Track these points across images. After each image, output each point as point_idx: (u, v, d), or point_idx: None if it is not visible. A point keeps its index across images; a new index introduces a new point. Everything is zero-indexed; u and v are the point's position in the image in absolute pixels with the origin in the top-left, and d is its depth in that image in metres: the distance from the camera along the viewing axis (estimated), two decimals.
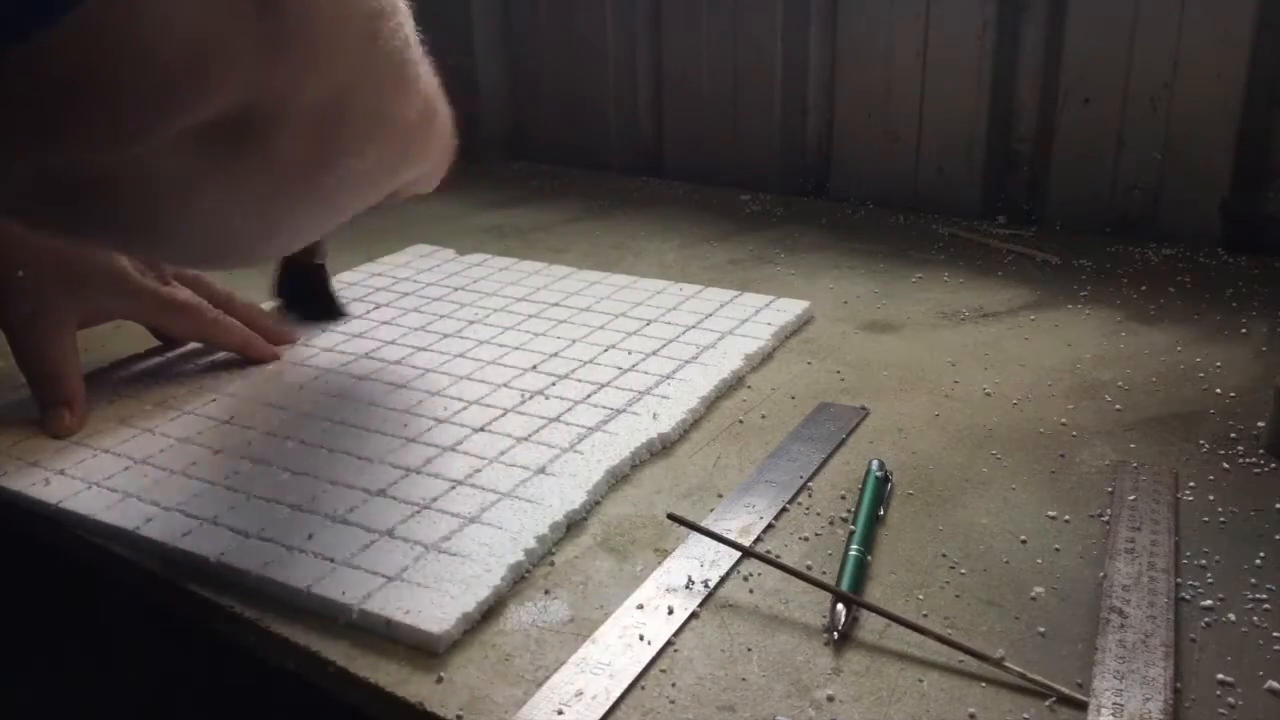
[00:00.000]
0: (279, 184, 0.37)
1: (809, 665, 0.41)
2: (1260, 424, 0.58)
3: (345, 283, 0.83)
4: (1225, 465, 0.55)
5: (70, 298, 0.59)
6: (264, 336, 0.70)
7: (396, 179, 0.45)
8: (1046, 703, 0.39)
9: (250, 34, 0.30)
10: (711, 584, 0.46)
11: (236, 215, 0.37)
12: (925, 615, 0.44)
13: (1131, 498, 0.51)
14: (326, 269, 0.76)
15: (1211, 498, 0.52)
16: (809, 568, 0.47)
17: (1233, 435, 0.58)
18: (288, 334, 0.72)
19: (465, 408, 0.61)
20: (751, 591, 0.46)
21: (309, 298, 0.76)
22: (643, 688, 0.40)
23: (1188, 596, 0.44)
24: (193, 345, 0.72)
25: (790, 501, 0.52)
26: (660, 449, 0.58)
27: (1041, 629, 0.43)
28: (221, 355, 0.70)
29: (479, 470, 0.54)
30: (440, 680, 0.41)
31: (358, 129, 0.38)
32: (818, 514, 0.51)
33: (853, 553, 0.47)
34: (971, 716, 0.38)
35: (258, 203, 0.37)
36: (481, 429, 0.59)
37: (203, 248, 0.40)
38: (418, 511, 0.51)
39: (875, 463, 0.53)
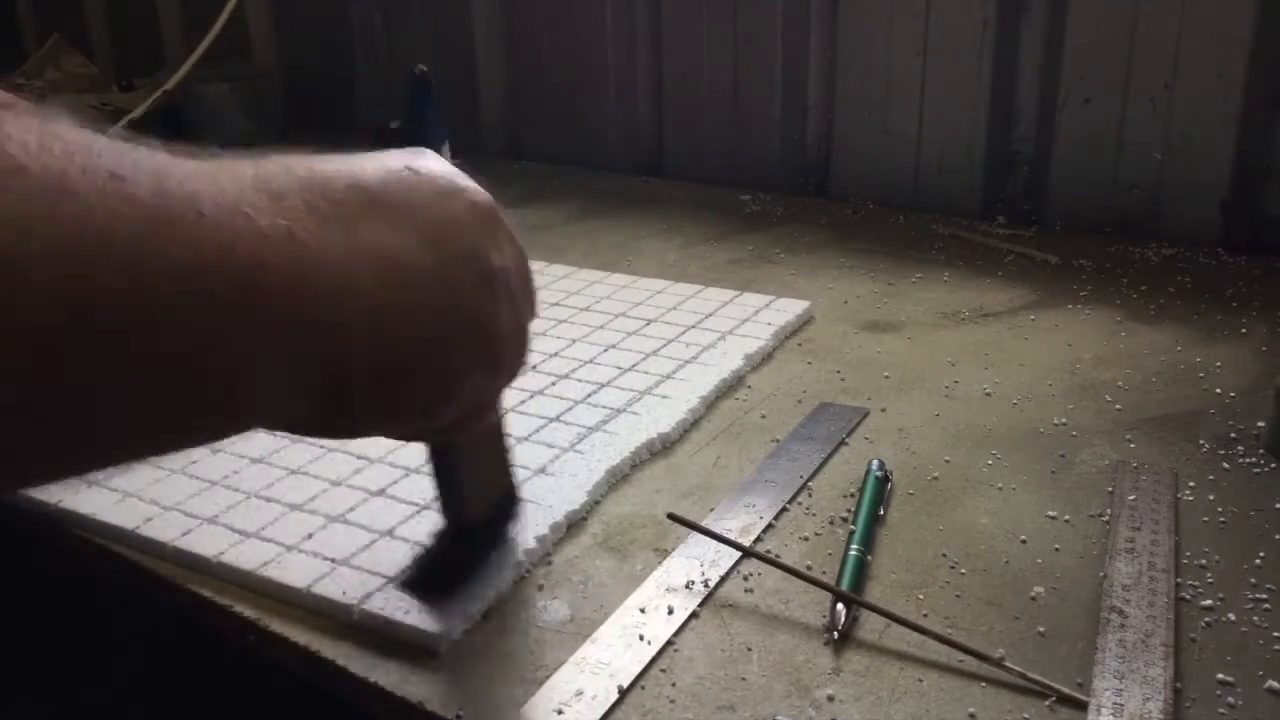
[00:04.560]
0: None
1: (809, 665, 0.41)
2: (1260, 424, 0.58)
3: None
4: (1225, 465, 0.55)
5: None
6: None
7: None
8: (1046, 703, 0.39)
9: None
10: (711, 584, 0.46)
11: None
12: (925, 615, 0.44)
13: (1131, 498, 0.51)
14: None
15: (1211, 498, 0.52)
16: (809, 568, 0.47)
17: (1233, 435, 0.58)
18: None
19: None
20: (751, 591, 0.46)
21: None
22: (643, 688, 0.40)
23: (1188, 596, 0.44)
24: None
25: (790, 501, 0.52)
26: (660, 449, 0.58)
27: (1041, 629, 0.43)
28: None
29: None
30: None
31: None
32: (817, 514, 0.51)
33: (853, 553, 0.46)
34: (971, 716, 0.38)
35: None
36: None
37: None
38: (418, 511, 0.51)
39: (875, 463, 0.53)
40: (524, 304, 0.39)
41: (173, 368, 0.28)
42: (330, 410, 0.33)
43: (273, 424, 0.33)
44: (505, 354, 0.38)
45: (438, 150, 0.40)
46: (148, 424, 0.29)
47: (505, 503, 0.47)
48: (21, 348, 0.24)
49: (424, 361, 0.34)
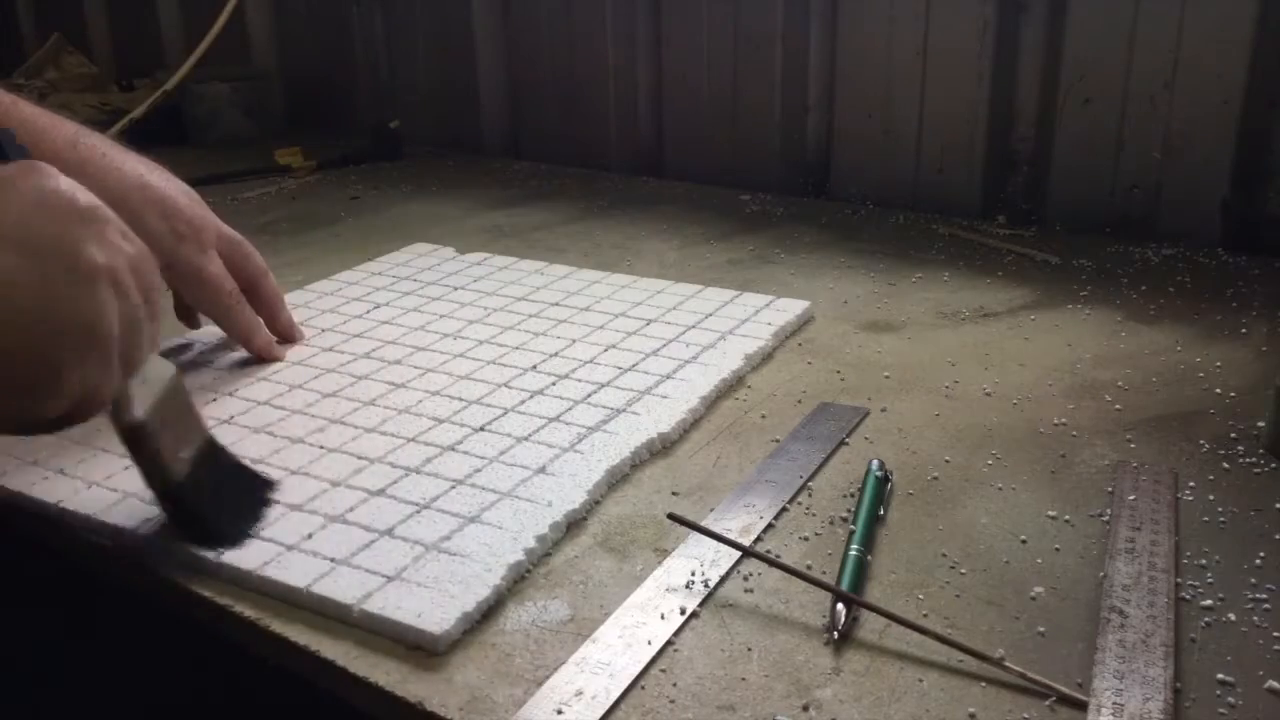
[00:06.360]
0: None
1: (809, 665, 0.41)
2: (1260, 424, 0.58)
3: (345, 282, 0.83)
4: (1225, 465, 0.55)
5: None
6: (274, 329, 0.70)
7: None
8: (1046, 703, 0.39)
9: None
10: (711, 584, 0.46)
11: None
12: (925, 615, 0.44)
13: (1131, 498, 0.51)
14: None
15: (1211, 498, 0.52)
16: (809, 568, 0.47)
17: (1233, 435, 0.58)
18: (296, 332, 0.72)
19: (465, 407, 0.61)
20: (751, 591, 0.46)
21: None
22: (643, 688, 0.40)
23: (1188, 596, 0.44)
24: (198, 341, 0.72)
25: (790, 501, 0.52)
26: (660, 449, 0.58)
27: (1041, 629, 0.43)
28: (221, 355, 0.70)
29: (479, 470, 0.54)
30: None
31: None
32: (817, 514, 0.51)
33: (853, 553, 0.47)
34: (971, 716, 0.38)
35: None
36: (481, 429, 0.59)
37: None
38: (418, 511, 0.51)
39: (875, 463, 0.53)
40: (137, 300, 0.43)
41: None
42: None
43: None
44: (114, 347, 0.42)
45: None
46: None
47: (207, 449, 0.51)
48: None
49: (15, 359, 0.39)
